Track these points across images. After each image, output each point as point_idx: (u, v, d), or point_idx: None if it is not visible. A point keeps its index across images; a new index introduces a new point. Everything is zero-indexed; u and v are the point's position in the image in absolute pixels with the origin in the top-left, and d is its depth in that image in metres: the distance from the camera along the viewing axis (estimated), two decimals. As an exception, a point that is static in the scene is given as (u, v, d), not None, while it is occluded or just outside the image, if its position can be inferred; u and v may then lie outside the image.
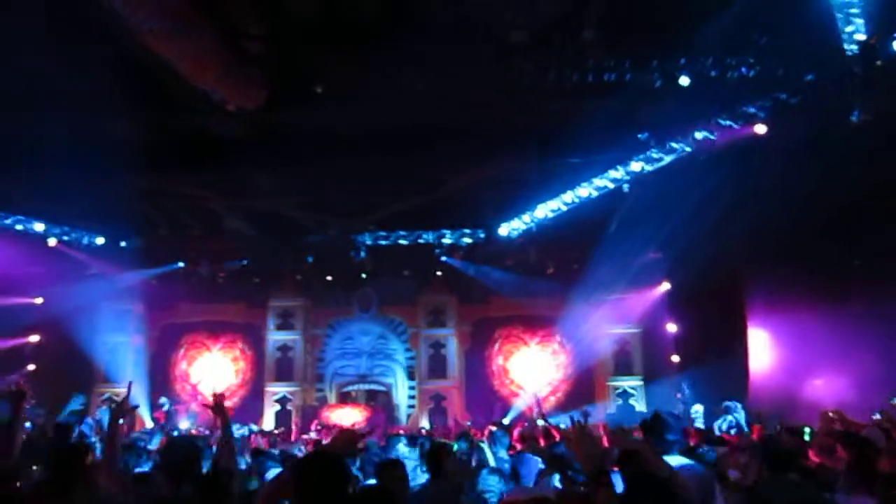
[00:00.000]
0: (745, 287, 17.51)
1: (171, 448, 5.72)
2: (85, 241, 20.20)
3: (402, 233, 21.46)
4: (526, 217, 19.15)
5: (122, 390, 21.59)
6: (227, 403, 18.86)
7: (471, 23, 11.82)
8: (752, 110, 13.57)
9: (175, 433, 15.84)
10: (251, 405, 22.82)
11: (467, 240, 21.49)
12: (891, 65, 10.97)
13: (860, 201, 14.03)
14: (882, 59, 10.86)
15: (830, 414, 7.81)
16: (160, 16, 9.65)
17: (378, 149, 14.89)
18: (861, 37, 10.89)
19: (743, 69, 12.95)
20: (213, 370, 23.57)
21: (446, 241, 21.55)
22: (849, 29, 11.00)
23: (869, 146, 12.21)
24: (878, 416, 8.31)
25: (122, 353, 22.91)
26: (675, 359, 20.44)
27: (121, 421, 5.85)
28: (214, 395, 5.52)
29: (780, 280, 15.98)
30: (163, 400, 21.24)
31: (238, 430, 10.19)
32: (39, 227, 18.89)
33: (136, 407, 5.77)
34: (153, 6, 9.47)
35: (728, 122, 14.08)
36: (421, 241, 21.54)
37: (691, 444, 7.39)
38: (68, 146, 14.37)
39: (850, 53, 11.22)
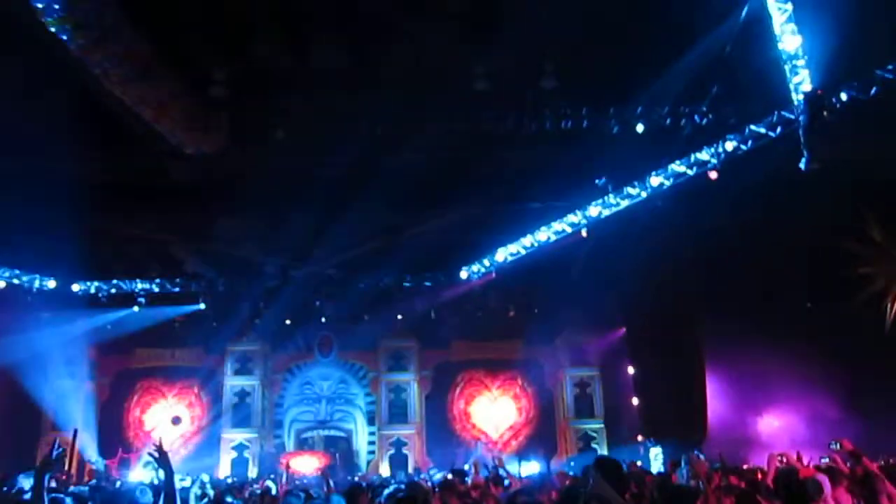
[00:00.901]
0: (701, 330, 17.77)
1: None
2: (36, 283, 19.73)
3: (362, 277, 21.38)
4: (486, 261, 19.28)
5: (69, 438, 21.05)
6: (182, 451, 18.44)
7: (432, 71, 12.03)
8: (705, 157, 13.95)
9: (118, 484, 15.30)
10: (207, 452, 22.28)
11: (428, 283, 21.50)
12: (837, 114, 11.39)
13: (811, 246, 14.43)
14: (828, 110, 11.27)
15: (778, 456, 7.89)
16: (122, 61, 9.64)
17: (338, 193, 14.92)
18: (808, 87, 11.31)
19: (696, 117, 13.37)
20: (168, 417, 23.00)
21: (407, 284, 21.52)
22: (796, 79, 11.42)
23: (817, 192, 12.61)
24: (826, 461, 8.46)
25: (72, 399, 22.23)
26: (635, 401, 20.55)
27: (47, 476, 5.56)
28: (157, 447, 5.34)
29: (733, 322, 16.26)
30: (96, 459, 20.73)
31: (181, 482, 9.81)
32: (-10, 269, 18.43)
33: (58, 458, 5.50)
34: (115, 52, 9.46)
35: (682, 168, 14.44)
36: (381, 285, 21.48)
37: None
38: (21, 186, 14.16)
39: (797, 103, 11.63)
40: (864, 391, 14.97)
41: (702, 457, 10.66)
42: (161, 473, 5.25)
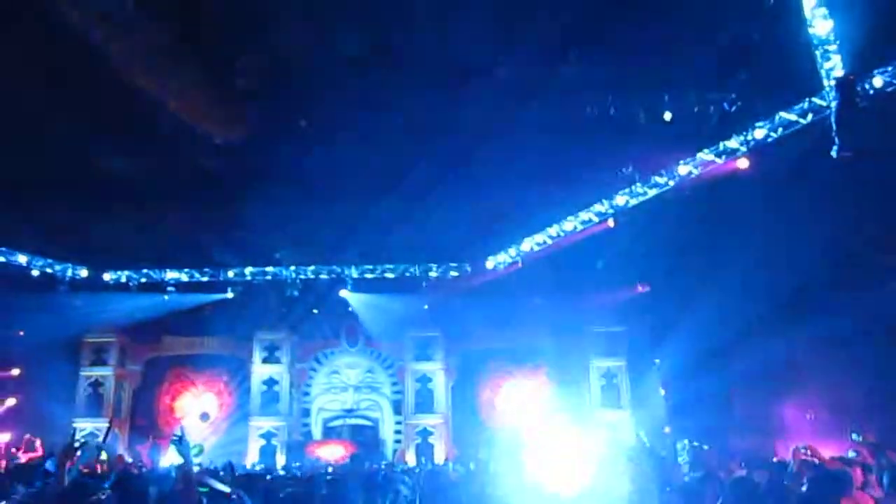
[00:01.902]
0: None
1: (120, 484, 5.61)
2: (69, 273, 20.09)
3: (388, 266, 21.47)
4: (512, 250, 19.23)
5: (103, 424, 21.45)
6: (212, 438, 18.61)
7: (456, 59, 11.98)
8: (734, 145, 13.75)
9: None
10: (236, 440, 22.53)
11: (454, 273, 21.51)
12: (869, 101, 11.16)
13: (839, 234, 14.15)
14: (861, 96, 11.05)
15: (801, 449, 7.78)
16: (145, 52, 9.73)
17: (364, 183, 14.97)
18: (839, 72, 11.09)
19: (724, 105, 13.16)
20: (198, 404, 23.31)
21: (433, 274, 21.55)
22: (828, 65, 11.21)
23: (848, 180, 12.36)
24: (853, 454, 8.33)
25: (104, 386, 22.64)
26: (662, 392, 20.39)
27: (67, 465, 5.67)
28: (178, 434, 5.45)
29: (765, 316, 16.04)
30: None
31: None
32: (22, 258, 18.79)
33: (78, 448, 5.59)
34: (138, 43, 9.55)
35: (711, 156, 14.26)
36: (407, 274, 21.53)
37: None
38: (51, 178, 14.43)
39: (828, 89, 11.41)
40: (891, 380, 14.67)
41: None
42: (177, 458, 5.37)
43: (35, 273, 19.30)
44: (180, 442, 5.37)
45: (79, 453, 5.95)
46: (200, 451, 18.94)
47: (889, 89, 11.43)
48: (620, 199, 16.08)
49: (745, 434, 16.81)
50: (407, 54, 12.25)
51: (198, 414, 22.94)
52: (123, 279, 21.28)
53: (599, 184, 15.97)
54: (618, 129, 13.64)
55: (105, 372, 22.77)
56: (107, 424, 20.33)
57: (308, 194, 15.57)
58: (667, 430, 19.26)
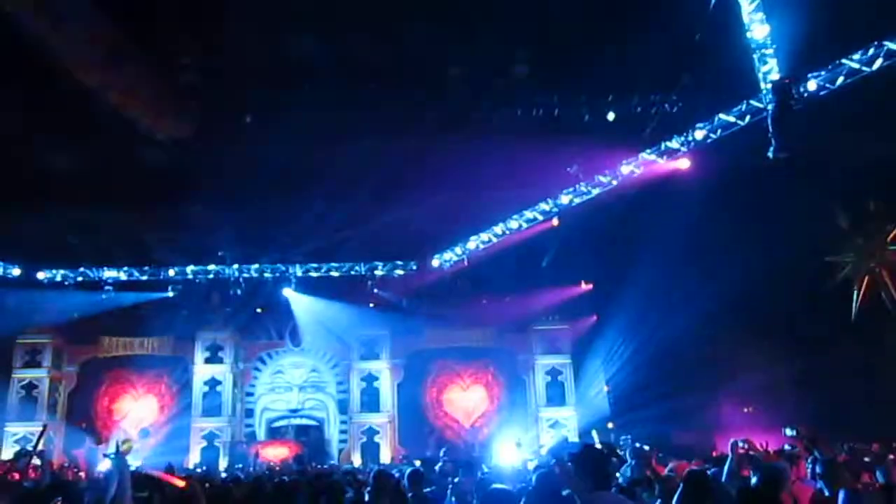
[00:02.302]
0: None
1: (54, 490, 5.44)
2: (0, 271, 19.40)
3: (333, 265, 21.33)
4: (458, 249, 19.30)
5: (36, 428, 20.77)
6: (151, 440, 18.12)
7: (404, 58, 11.97)
8: (675, 145, 14.06)
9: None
10: (177, 441, 22.07)
11: (400, 272, 21.49)
12: (803, 104, 11.53)
13: (779, 233, 14.59)
14: (795, 99, 11.40)
15: (740, 443, 7.99)
16: (86, 44, 9.46)
17: (309, 181, 14.83)
18: (776, 76, 11.43)
19: (666, 105, 13.46)
20: (138, 406, 22.78)
21: (379, 272, 21.50)
22: (765, 68, 11.54)
23: (785, 182, 12.76)
24: (788, 448, 8.57)
25: (38, 389, 21.94)
26: (605, 389, 20.72)
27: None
28: (116, 449, 5.36)
29: (708, 315, 16.40)
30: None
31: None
32: (-48, 257, 18.10)
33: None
34: (79, 35, 9.28)
35: (653, 157, 14.55)
36: (353, 272, 21.43)
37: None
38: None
39: (765, 92, 11.76)
40: (826, 376, 15.18)
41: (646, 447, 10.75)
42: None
43: (-36, 272, 18.59)
44: (117, 455, 5.26)
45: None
46: (147, 434, 18.63)
47: (822, 93, 11.83)
48: (565, 199, 16.28)
49: (687, 429, 17.18)
50: (355, 54, 12.19)
51: (137, 428, 22.34)
52: (59, 278, 20.64)
53: (544, 183, 16.11)
54: (563, 130, 13.81)
55: (39, 374, 22.05)
56: (40, 428, 19.70)
57: (252, 193, 15.36)
58: (610, 425, 19.57)
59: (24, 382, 21.95)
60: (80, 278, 20.80)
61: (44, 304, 20.87)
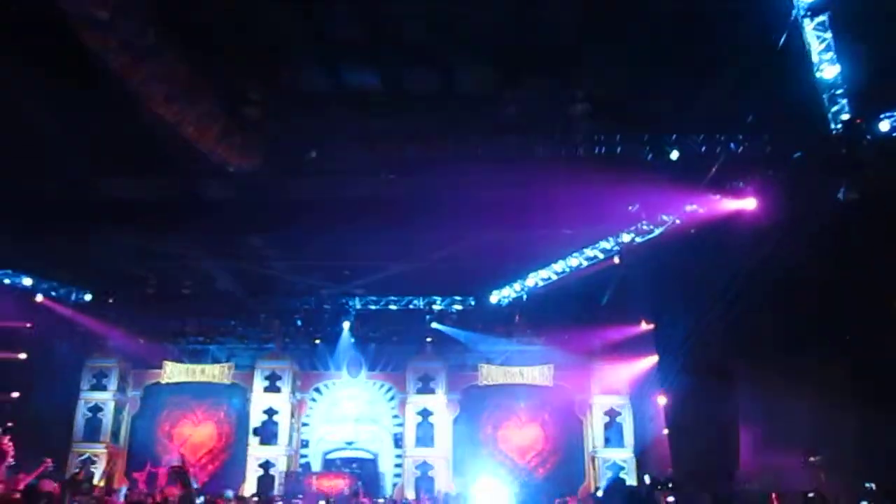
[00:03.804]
0: (735, 360, 17.40)
1: None
2: (73, 297, 20.12)
3: (392, 298, 21.47)
4: (517, 285, 19.22)
5: (101, 451, 21.40)
6: (209, 467, 18.44)
7: (463, 96, 12.10)
8: (740, 185, 13.79)
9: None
10: (233, 469, 22.35)
11: (458, 307, 21.50)
12: (876, 144, 11.21)
13: (850, 280, 14.10)
14: (867, 140, 11.10)
15: (811, 495, 7.73)
16: (162, 81, 9.84)
17: (371, 216, 15.01)
18: (846, 116, 11.16)
19: (731, 145, 13.24)
20: (196, 432, 23.19)
21: (437, 307, 21.54)
22: (834, 109, 11.29)
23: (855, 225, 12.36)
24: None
25: (103, 411, 22.58)
26: (665, 432, 20.18)
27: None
28: (174, 466, 5.48)
29: (769, 356, 15.89)
30: None
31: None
32: (28, 281, 18.84)
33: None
34: (154, 72, 9.66)
35: (717, 196, 14.29)
36: (411, 306, 21.53)
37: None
38: (62, 204, 14.55)
39: (835, 132, 11.48)
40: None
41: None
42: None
43: (40, 297, 19.33)
44: (180, 470, 5.37)
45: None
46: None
47: (895, 133, 11.48)
48: (626, 237, 16.09)
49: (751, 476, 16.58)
50: (413, 87, 12.38)
51: (195, 453, 22.72)
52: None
53: (606, 221, 15.96)
54: (625, 168, 13.70)
55: (104, 396, 22.71)
56: (105, 451, 20.33)
57: (314, 225, 15.61)
58: (669, 470, 19.02)
59: (90, 405, 22.65)
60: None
61: (112, 329, 21.57)
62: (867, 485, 7.56)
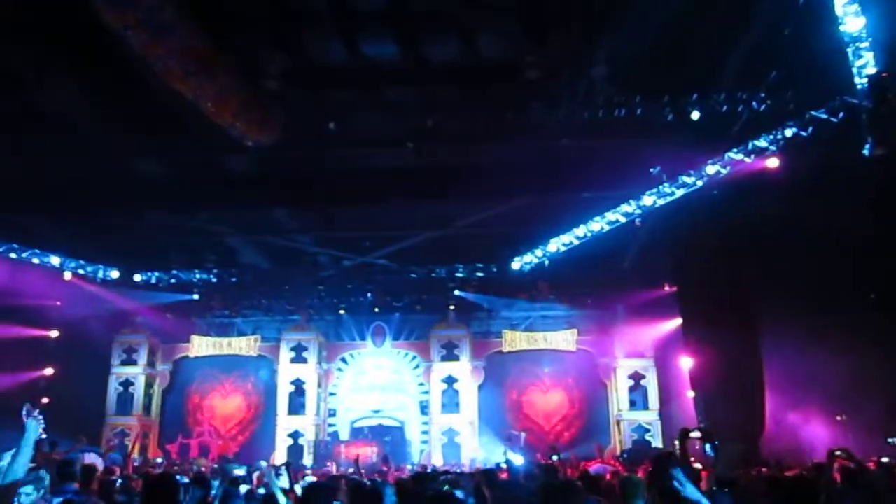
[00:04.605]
0: (759, 323, 17.33)
1: (151, 486, 5.64)
2: (100, 274, 20.41)
3: (414, 267, 21.55)
4: (538, 251, 19.20)
5: (133, 424, 21.87)
6: (239, 437, 18.76)
7: (482, 62, 12.01)
8: (763, 144, 13.64)
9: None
10: (263, 439, 22.75)
11: (480, 274, 21.54)
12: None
13: (874, 234, 13.96)
14: (893, 94, 10.90)
15: (838, 452, 7.74)
16: (181, 56, 9.86)
17: (392, 185, 15.04)
18: (872, 70, 10.96)
19: (754, 103, 13.06)
20: (225, 404, 23.59)
21: (459, 275, 21.60)
22: (859, 63, 11.08)
23: (881, 180, 12.20)
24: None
25: (134, 385, 23.03)
26: (691, 395, 20.23)
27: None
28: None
29: (792, 317, 15.82)
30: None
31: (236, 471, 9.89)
32: (56, 260, 19.11)
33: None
34: (174, 47, 9.68)
35: (740, 156, 14.15)
36: (434, 275, 21.60)
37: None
38: (87, 182, 14.70)
39: (861, 87, 11.28)
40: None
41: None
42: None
43: (68, 275, 19.62)
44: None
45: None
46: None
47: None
48: (648, 200, 15.99)
49: (777, 436, 16.62)
50: (431, 55, 12.29)
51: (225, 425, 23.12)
52: (153, 280, 21.56)
53: (627, 184, 15.86)
54: (646, 130, 13.59)
55: (135, 371, 23.14)
56: (136, 424, 20.80)
57: (335, 196, 15.69)
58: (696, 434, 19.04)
59: (121, 379, 23.09)
60: (172, 280, 21.66)
61: (140, 305, 21.92)
62: (889, 440, 7.55)
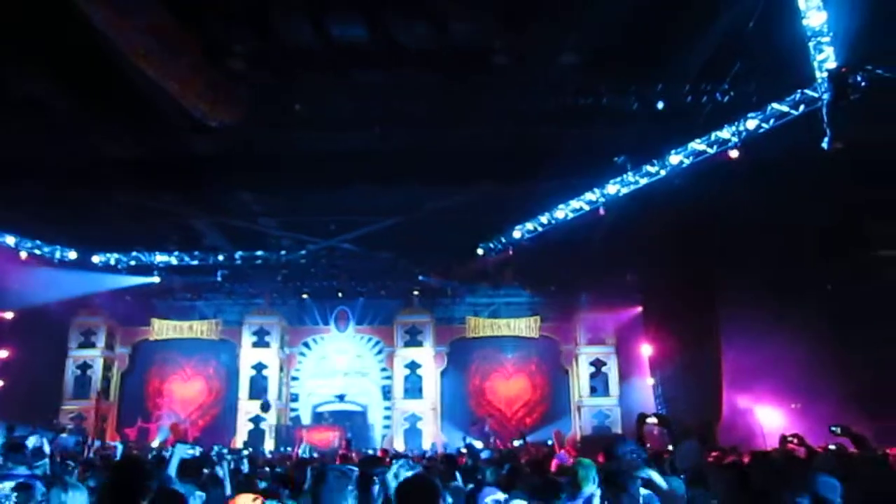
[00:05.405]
0: (717, 310, 17.65)
1: (120, 468, 5.59)
2: (57, 254, 20.00)
3: (379, 252, 21.49)
4: (503, 239, 19.28)
5: (90, 406, 21.52)
6: (200, 422, 18.65)
7: (452, 47, 11.97)
8: (726, 135, 13.84)
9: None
10: (224, 424, 22.60)
11: (444, 260, 21.55)
12: (861, 94, 11.23)
13: (831, 226, 14.30)
14: (852, 89, 11.12)
15: (791, 438, 7.95)
16: (146, 34, 9.68)
17: (355, 168, 14.95)
18: (832, 65, 11.17)
19: (717, 95, 13.24)
20: (186, 388, 23.36)
21: (423, 261, 21.59)
22: (820, 57, 11.28)
23: (838, 172, 12.49)
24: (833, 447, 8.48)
25: (92, 368, 22.67)
26: (650, 381, 20.55)
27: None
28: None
29: (750, 304, 16.14)
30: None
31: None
32: (10, 240, 18.68)
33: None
34: (139, 25, 9.50)
35: (703, 146, 14.35)
36: (398, 261, 21.56)
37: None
38: (43, 160, 14.37)
39: (821, 81, 11.50)
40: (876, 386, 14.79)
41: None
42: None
43: (23, 255, 19.19)
44: None
45: None
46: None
47: (880, 83, 11.51)
48: (612, 188, 16.14)
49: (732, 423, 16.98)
50: (398, 39, 12.21)
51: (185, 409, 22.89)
52: (112, 262, 21.20)
53: (591, 173, 16.00)
54: (610, 119, 13.70)
55: (93, 354, 22.78)
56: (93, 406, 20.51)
57: (301, 179, 15.56)
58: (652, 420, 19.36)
59: (79, 362, 22.72)
60: (132, 262, 21.33)
61: (98, 287, 21.50)
62: (832, 428, 7.78)
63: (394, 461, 6.97)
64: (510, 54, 12.01)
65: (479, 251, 20.03)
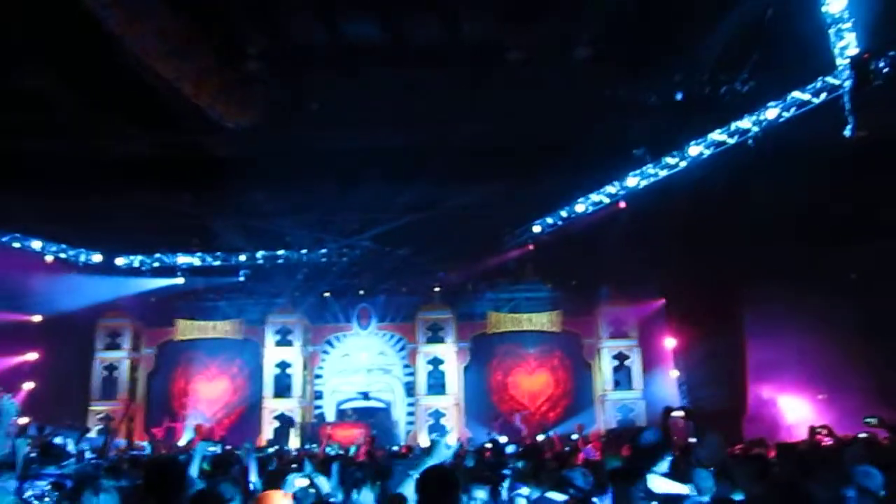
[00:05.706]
0: (741, 301, 17.47)
1: (154, 467, 5.63)
2: (82, 258, 20.25)
3: (399, 249, 21.50)
4: (523, 233, 19.22)
5: (117, 407, 21.77)
6: (226, 421, 18.74)
7: (466, 44, 11.94)
8: (746, 125, 13.68)
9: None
10: (249, 422, 22.74)
11: (465, 255, 21.50)
12: (884, 80, 11.03)
13: (854, 215, 14.08)
14: (875, 75, 10.92)
15: (818, 429, 7.86)
16: (160, 36, 9.74)
17: (375, 167, 14.97)
18: (854, 51, 10.98)
19: (736, 84, 13.06)
20: (211, 387, 23.55)
21: (444, 257, 21.56)
22: (841, 44, 11.09)
23: (863, 161, 12.27)
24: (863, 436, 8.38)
25: (118, 370, 22.94)
26: (675, 374, 20.41)
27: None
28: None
29: (774, 295, 15.97)
30: None
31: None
32: (37, 244, 18.93)
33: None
34: (152, 27, 9.56)
35: (723, 137, 14.19)
36: (419, 257, 21.55)
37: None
38: (69, 165, 14.54)
39: (843, 68, 11.31)
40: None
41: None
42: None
43: (49, 258, 19.45)
44: None
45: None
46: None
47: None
48: (631, 181, 16.03)
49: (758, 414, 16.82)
50: (412, 37, 12.19)
51: (211, 409, 23.07)
52: (136, 264, 21.41)
53: (610, 165, 15.88)
54: (629, 111, 13.59)
55: (119, 355, 23.04)
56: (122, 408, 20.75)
57: (319, 179, 15.60)
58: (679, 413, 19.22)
59: (105, 364, 22.98)
60: (155, 264, 21.52)
61: (123, 289, 21.73)
62: (867, 419, 7.66)
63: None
64: (524, 49, 11.93)
65: (501, 246, 19.99)
